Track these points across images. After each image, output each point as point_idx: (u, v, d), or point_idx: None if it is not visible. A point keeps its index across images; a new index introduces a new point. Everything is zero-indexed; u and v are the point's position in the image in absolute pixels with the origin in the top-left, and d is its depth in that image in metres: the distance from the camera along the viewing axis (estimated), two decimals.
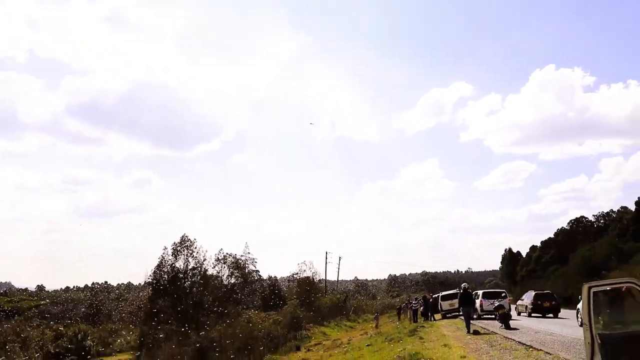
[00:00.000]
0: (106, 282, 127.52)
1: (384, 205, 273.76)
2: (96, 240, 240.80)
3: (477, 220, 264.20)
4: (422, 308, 35.86)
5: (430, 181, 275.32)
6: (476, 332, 20.63)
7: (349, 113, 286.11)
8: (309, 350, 33.68)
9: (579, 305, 26.86)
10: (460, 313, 31.07)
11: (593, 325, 5.81)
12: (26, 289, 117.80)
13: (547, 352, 13.05)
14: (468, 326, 21.88)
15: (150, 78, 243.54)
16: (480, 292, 31.80)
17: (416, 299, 42.83)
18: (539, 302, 32.43)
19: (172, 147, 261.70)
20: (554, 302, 32.63)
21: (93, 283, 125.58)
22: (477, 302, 30.07)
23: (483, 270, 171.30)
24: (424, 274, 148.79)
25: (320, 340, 40.56)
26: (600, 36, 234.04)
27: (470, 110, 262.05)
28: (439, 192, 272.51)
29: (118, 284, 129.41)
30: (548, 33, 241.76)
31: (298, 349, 35.14)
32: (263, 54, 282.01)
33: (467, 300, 22.72)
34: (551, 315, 31.92)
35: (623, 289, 6.33)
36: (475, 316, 29.90)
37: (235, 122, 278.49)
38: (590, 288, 5.87)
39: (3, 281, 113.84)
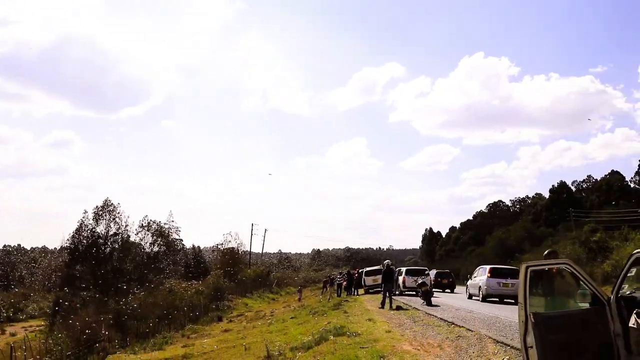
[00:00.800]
0: (19, 245, 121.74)
1: (311, 180, 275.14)
2: (9, 200, 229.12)
3: (401, 200, 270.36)
4: (345, 283, 36.36)
5: (357, 159, 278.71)
6: (399, 308, 21.07)
7: (282, 85, 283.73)
8: (231, 321, 33.55)
9: (468, 282, 28.44)
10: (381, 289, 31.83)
11: (528, 305, 5.91)
12: None
13: (468, 329, 13.41)
14: (383, 302, 22.36)
15: (75, 33, 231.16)
16: (403, 269, 32.60)
17: (340, 273, 43.37)
18: (439, 279, 36.61)
19: (95, 108, 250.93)
20: (450, 279, 37.56)
21: (5, 245, 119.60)
22: (400, 278, 30.80)
23: (404, 248, 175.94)
24: (347, 249, 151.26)
25: (242, 311, 40.48)
26: (527, 28, 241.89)
27: (400, 91, 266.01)
28: (366, 171, 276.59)
29: (32, 248, 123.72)
30: (479, 21, 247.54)
31: (220, 319, 34.96)
32: (197, 19, 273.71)
33: (389, 277, 23.18)
34: (448, 290, 36.33)
35: (554, 270, 6.51)
36: (397, 292, 30.65)
37: (164, 86, 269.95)
38: (527, 268, 5.97)
39: None
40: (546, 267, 6.41)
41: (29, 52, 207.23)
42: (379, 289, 31.03)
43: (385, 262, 25.12)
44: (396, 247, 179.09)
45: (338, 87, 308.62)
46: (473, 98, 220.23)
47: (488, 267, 26.40)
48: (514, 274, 24.17)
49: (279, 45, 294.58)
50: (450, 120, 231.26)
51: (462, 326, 14.07)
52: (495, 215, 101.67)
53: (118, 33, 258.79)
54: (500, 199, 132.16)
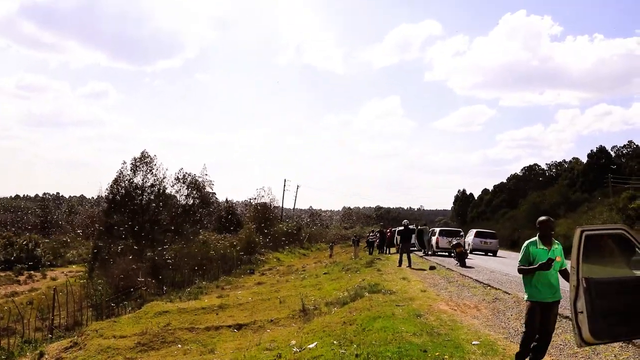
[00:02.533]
0: (58, 194, 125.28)
1: (344, 137, 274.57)
2: (47, 150, 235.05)
3: (433, 160, 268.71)
4: (378, 241, 36.46)
5: (390, 118, 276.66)
6: (432, 268, 21.07)
7: (316, 41, 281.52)
8: (263, 274, 34.09)
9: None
10: (416, 248, 31.88)
11: (580, 269, 5.78)
12: None
13: (505, 292, 13.34)
14: (400, 260, 22.69)
15: None
16: (437, 230, 32.41)
17: (372, 231, 43.50)
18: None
19: (131, 60, 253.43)
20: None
21: (44, 193, 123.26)
22: (434, 239, 30.72)
23: (435, 209, 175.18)
24: (378, 208, 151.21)
25: (274, 265, 41.09)
26: None
27: (437, 49, 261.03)
28: (399, 129, 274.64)
29: (70, 196, 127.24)
30: None
31: (252, 272, 35.55)
32: None
33: (407, 236, 23.53)
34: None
35: (608, 236, 6.33)
36: (430, 252, 30.66)
37: (198, 39, 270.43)
38: (582, 232, 5.81)
39: None
40: (602, 232, 6.24)
41: (64, 3, 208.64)
42: (414, 249, 31.13)
43: (404, 221, 25.34)
44: (427, 207, 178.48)
45: (373, 44, 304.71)
46: (512, 58, 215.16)
47: (474, 230, 35.48)
48: (493, 236, 34.99)
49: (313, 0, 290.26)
50: (487, 80, 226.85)
51: (499, 288, 14.00)
52: (530, 179, 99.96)
53: None
54: (535, 162, 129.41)
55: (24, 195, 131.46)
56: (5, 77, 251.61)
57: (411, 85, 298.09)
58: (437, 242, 30.33)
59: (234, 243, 42.88)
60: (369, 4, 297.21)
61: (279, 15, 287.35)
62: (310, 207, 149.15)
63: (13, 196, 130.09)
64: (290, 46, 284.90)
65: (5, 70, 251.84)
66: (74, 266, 48.59)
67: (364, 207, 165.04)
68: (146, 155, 38.46)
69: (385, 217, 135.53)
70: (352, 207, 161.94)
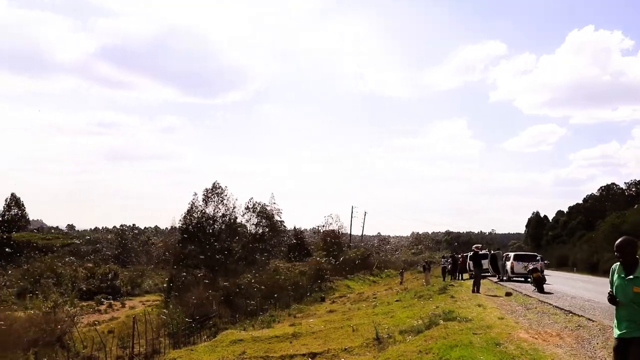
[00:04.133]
0: (134, 225, 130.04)
1: (408, 161, 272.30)
2: (123, 183, 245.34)
3: (503, 182, 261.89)
4: (450, 267, 35.74)
5: (457, 140, 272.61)
6: (508, 294, 20.44)
7: (376, 66, 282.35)
8: (333, 302, 33.98)
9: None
10: (490, 274, 31.03)
11: None
12: (57, 227, 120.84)
13: (589, 319, 12.77)
14: (474, 286, 22.22)
15: (178, 23, 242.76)
16: (511, 254, 31.41)
17: (444, 257, 42.70)
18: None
19: (200, 94, 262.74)
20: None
21: (121, 225, 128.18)
22: (508, 264, 29.81)
23: (507, 232, 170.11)
24: (447, 233, 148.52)
25: (344, 293, 40.88)
26: None
27: (502, 69, 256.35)
28: (466, 152, 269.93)
29: (145, 227, 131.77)
30: None
31: (323, 300, 35.50)
32: (292, 4, 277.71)
33: (478, 261, 23.10)
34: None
35: None
36: (505, 278, 29.74)
37: (262, 72, 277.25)
38: None
39: (34, 219, 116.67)
40: None
41: (136, 42, 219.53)
42: (487, 274, 30.32)
43: (475, 246, 24.78)
44: (498, 231, 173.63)
45: (435, 66, 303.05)
46: (581, 74, 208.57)
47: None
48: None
49: (373, 25, 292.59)
50: (555, 98, 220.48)
51: (582, 315, 13.42)
52: (608, 199, 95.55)
53: (218, 21, 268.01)
54: (612, 181, 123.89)
55: (102, 227, 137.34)
56: (85, 115, 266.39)
57: (477, 107, 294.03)
58: (512, 267, 29.38)
59: (304, 271, 43.04)
60: (429, 27, 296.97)
61: (340, 44, 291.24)
62: (379, 233, 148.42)
63: (93, 228, 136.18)
64: (351, 74, 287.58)
65: (84, 108, 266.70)
66: (150, 295, 50.09)
67: (433, 232, 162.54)
68: (217, 186, 39.54)
69: (455, 242, 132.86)
70: (420, 233, 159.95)
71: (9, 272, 48.18)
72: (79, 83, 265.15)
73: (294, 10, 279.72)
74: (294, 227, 71.72)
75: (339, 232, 63.35)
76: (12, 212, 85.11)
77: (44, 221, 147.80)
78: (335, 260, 51.54)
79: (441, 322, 13.53)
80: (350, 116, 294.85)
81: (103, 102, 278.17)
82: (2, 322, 18.39)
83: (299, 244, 60.72)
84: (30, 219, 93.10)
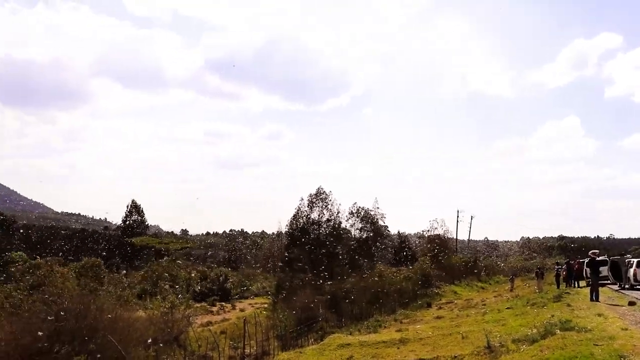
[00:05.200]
0: (242, 230, 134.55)
1: (517, 163, 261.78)
2: (233, 189, 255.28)
3: (622, 183, 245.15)
4: (565, 274, 33.90)
5: (569, 139, 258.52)
6: (632, 303, 19.06)
7: (481, 66, 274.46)
8: (440, 308, 33.33)
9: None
10: (609, 282, 29.12)
11: None
12: (172, 232, 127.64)
13: None
14: (591, 294, 20.83)
15: (281, 33, 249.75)
16: (634, 261, 29.23)
17: (558, 263, 40.62)
18: None
19: (303, 101, 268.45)
20: None
21: (230, 230, 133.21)
22: (631, 271, 27.79)
23: (627, 237, 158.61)
24: (560, 237, 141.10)
25: (451, 299, 39.99)
26: None
27: (618, 62, 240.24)
28: (580, 151, 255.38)
29: (253, 232, 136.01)
30: None
31: (429, 305, 34.92)
32: (392, 7, 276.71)
33: (595, 268, 21.65)
34: None
35: None
36: (627, 286, 27.78)
37: (364, 76, 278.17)
38: None
39: (152, 224, 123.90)
40: None
41: (241, 54, 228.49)
42: (607, 282, 28.53)
43: (591, 252, 23.26)
44: (618, 235, 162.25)
45: (544, 63, 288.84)
46: None
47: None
48: None
49: (475, 24, 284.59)
50: None
51: None
52: None
53: (319, 29, 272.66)
54: None
55: (213, 232, 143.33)
56: (196, 125, 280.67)
57: (590, 103, 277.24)
58: (634, 275, 27.35)
59: (409, 276, 42.56)
60: (537, 23, 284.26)
61: (442, 45, 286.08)
62: (486, 238, 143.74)
63: (205, 233, 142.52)
64: (455, 75, 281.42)
65: (194, 119, 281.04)
66: (259, 298, 51.64)
67: (544, 237, 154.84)
68: (321, 191, 40.07)
69: (568, 247, 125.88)
70: (530, 237, 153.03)
71: (129, 273, 51.53)
72: (191, 95, 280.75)
73: (393, 13, 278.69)
74: (398, 232, 71.24)
75: (444, 237, 62.05)
76: (132, 218, 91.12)
77: (160, 226, 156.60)
78: (440, 265, 50.55)
79: (558, 331, 12.85)
80: (453, 117, 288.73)
81: (213, 113, 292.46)
82: (126, 321, 19.64)
83: (403, 248, 60.19)
84: (149, 224, 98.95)
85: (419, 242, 66.73)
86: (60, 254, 65.99)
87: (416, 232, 73.48)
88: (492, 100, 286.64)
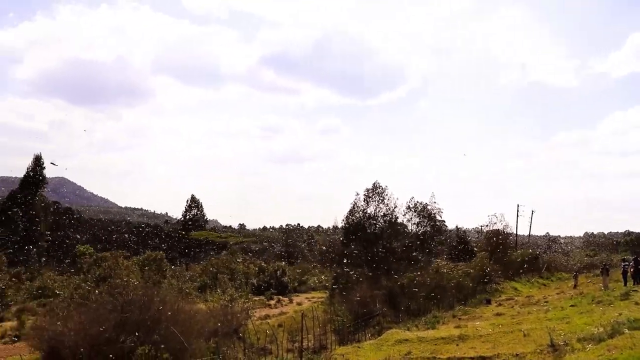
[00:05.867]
0: (298, 224, 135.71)
1: (581, 155, 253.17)
2: (289, 184, 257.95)
3: None
4: (632, 270, 32.58)
5: (636, 130, 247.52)
6: None
7: (542, 55, 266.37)
8: (500, 304, 32.70)
9: None
10: None
11: None
12: (230, 227, 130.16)
13: None
14: None
15: (335, 28, 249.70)
16: None
17: (624, 259, 39.09)
18: None
19: (358, 95, 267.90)
20: None
21: (287, 224, 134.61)
22: None
23: None
24: (627, 233, 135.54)
25: (511, 295, 39.17)
26: None
27: None
28: None
29: (309, 227, 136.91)
30: None
31: (489, 302, 34.31)
32: None
33: None
34: None
35: None
36: None
37: (419, 68, 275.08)
38: None
39: (211, 219, 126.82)
40: None
41: (297, 49, 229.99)
42: None
43: None
44: None
45: (611, 52, 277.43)
46: None
47: None
48: None
49: (538, 12, 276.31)
50: None
51: None
52: None
53: (374, 23, 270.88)
54: None
55: (270, 226, 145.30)
56: (252, 120, 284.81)
57: None
58: None
59: (468, 271, 41.86)
60: (603, 10, 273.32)
61: (500, 34, 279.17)
62: (547, 233, 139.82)
63: (262, 227, 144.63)
64: (513, 65, 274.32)
65: (251, 114, 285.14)
66: (315, 292, 51.99)
67: (610, 232, 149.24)
68: (377, 185, 39.86)
69: (635, 243, 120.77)
70: (595, 233, 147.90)
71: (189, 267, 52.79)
72: (247, 91, 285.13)
73: (449, 3, 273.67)
74: (456, 227, 70.15)
75: (504, 232, 60.61)
76: (192, 213, 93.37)
77: (219, 221, 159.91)
78: (499, 261, 49.47)
79: (626, 330, 12.40)
80: (513, 109, 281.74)
81: (268, 108, 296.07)
82: (187, 313, 20.15)
83: (461, 243, 59.24)
84: (207, 218, 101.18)
85: (478, 237, 65.53)
86: (124, 247, 68.33)
87: (474, 227, 72.29)
88: (554, 90, 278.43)
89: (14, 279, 39.03)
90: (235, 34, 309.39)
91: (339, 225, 46.22)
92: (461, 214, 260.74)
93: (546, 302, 29.50)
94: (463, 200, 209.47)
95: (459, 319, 26.06)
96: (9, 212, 69.37)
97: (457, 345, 15.89)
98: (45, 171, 74.71)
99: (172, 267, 53.39)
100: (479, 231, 65.85)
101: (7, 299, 33.10)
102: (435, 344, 16.21)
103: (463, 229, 71.89)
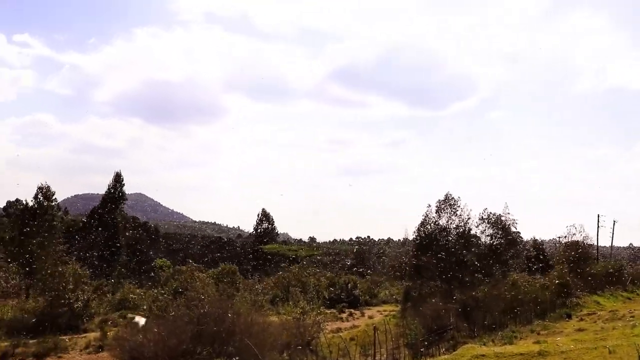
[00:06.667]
0: (368, 237, 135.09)
1: None
2: (358, 196, 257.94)
3: None
4: None
5: None
6: None
7: (620, 60, 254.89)
8: (581, 319, 31.29)
9: None
10: None
11: None
12: (300, 240, 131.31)
13: None
14: None
15: (403, 39, 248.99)
16: None
17: None
18: None
19: (427, 106, 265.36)
20: None
21: (357, 237, 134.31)
22: None
23: None
24: None
25: (593, 310, 37.40)
26: None
27: None
28: None
29: (379, 239, 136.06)
30: None
31: (569, 317, 32.92)
32: (515, 2, 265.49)
33: None
34: None
35: None
36: None
37: (490, 78, 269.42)
38: None
39: (281, 232, 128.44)
40: None
41: (364, 62, 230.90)
42: None
43: None
44: None
45: None
46: None
47: None
48: None
49: (614, 15, 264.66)
50: None
51: None
52: None
53: (442, 33, 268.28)
54: None
55: (340, 239, 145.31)
56: (319, 134, 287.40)
57: None
58: None
59: (546, 284, 40.36)
60: None
61: (575, 39, 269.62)
62: (630, 244, 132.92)
63: (331, 240, 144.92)
64: (590, 70, 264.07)
65: (318, 128, 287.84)
66: (387, 305, 51.51)
67: None
68: (449, 197, 39.21)
69: None
70: None
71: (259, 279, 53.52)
72: (314, 105, 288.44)
73: (518, 10, 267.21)
74: (533, 238, 67.79)
75: (584, 243, 58.05)
76: (263, 226, 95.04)
77: (289, 234, 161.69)
78: (580, 274, 47.39)
79: None
80: (590, 116, 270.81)
81: (336, 121, 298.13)
82: (261, 325, 20.43)
83: (538, 255, 57.17)
84: (278, 232, 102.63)
85: (555, 248, 63.00)
86: (199, 260, 70.20)
87: (551, 238, 69.56)
88: (634, 95, 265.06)
89: (97, 292, 40.79)
90: (302, 49, 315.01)
91: (410, 238, 45.71)
92: (537, 225, 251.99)
93: (632, 317, 27.97)
94: (539, 211, 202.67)
95: (538, 334, 25.13)
96: (92, 228, 72.97)
97: None
98: (124, 188, 78.31)
99: (245, 280, 54.38)
100: (556, 242, 63.28)
101: (90, 311, 34.60)
102: None
103: (540, 241, 69.30)
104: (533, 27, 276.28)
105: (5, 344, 25.64)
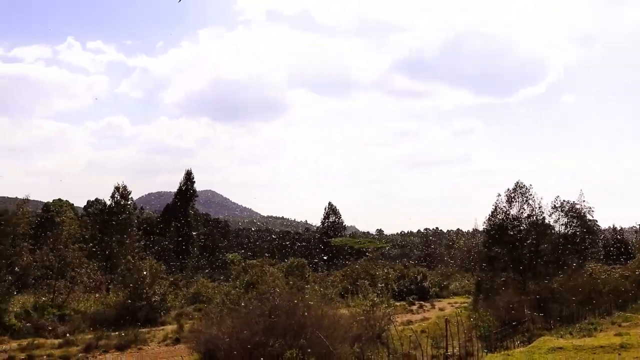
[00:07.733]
0: (437, 228, 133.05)
1: None
2: (425, 188, 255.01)
3: None
4: None
5: None
6: None
7: None
8: None
9: None
10: None
11: None
12: (368, 232, 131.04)
13: None
14: None
15: (467, 27, 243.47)
16: None
17: None
18: None
19: (494, 93, 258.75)
20: None
21: (425, 228, 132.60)
22: None
23: None
24: None
25: None
26: None
27: None
28: None
29: (448, 230, 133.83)
30: None
31: None
32: None
33: None
34: None
35: None
36: None
37: (562, 61, 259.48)
38: None
39: (349, 225, 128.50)
40: None
41: (428, 51, 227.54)
42: None
43: None
44: None
45: None
46: None
47: None
48: None
49: None
50: None
51: None
52: None
53: (506, 18, 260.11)
54: None
55: (408, 231, 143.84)
56: (384, 126, 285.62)
57: None
58: None
59: (626, 274, 38.63)
60: None
61: None
62: None
63: (399, 232, 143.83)
64: None
65: (383, 120, 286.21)
66: (457, 297, 50.72)
67: None
68: (520, 185, 37.97)
69: None
70: None
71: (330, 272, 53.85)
72: (378, 97, 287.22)
73: None
74: (612, 226, 65.08)
75: None
76: (330, 220, 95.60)
77: (356, 227, 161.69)
78: None
79: None
80: None
81: (400, 112, 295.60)
82: (331, 318, 20.53)
83: (618, 244, 54.80)
84: (345, 225, 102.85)
85: (636, 237, 60.21)
86: (268, 254, 71.44)
87: (631, 227, 66.62)
88: None
89: (172, 286, 42.21)
90: (365, 41, 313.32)
91: (480, 228, 44.71)
92: (617, 213, 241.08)
93: None
94: (618, 199, 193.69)
95: (619, 325, 24.14)
96: (166, 224, 75.63)
97: (619, 354, 14.68)
98: (195, 185, 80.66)
99: (314, 273, 54.85)
100: (637, 231, 60.50)
101: (167, 304, 35.86)
102: (594, 353, 15.09)
103: (619, 229, 66.41)
104: (604, 3, 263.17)
105: (89, 336, 27.03)
